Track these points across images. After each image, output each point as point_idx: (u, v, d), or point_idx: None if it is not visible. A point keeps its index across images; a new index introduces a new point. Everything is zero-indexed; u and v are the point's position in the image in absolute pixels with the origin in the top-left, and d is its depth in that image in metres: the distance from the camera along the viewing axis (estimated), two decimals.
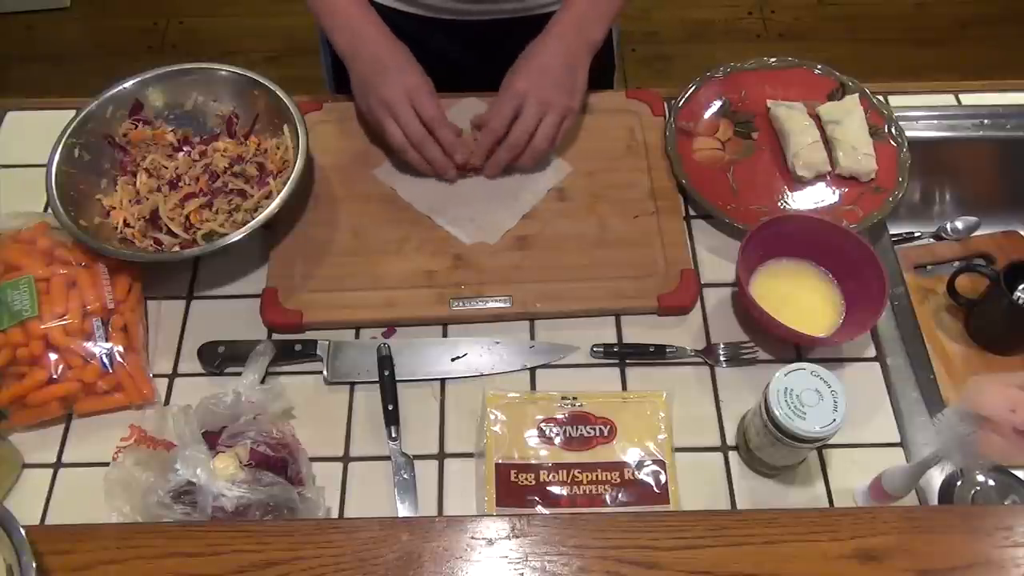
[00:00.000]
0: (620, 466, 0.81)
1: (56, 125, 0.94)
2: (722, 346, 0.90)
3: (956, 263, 1.07)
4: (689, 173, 1.01)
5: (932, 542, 0.64)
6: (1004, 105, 1.10)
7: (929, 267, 1.10)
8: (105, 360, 0.84)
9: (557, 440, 0.83)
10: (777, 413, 0.73)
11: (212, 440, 0.78)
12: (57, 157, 0.92)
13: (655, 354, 0.89)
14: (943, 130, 1.10)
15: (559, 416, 0.84)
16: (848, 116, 1.03)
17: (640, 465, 0.81)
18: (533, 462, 0.82)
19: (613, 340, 0.91)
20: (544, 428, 0.83)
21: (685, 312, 0.93)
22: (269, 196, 0.94)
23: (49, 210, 0.90)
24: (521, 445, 0.83)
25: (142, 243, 0.93)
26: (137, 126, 0.99)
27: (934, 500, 0.82)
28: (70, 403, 0.84)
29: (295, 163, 0.92)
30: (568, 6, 0.98)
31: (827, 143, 1.03)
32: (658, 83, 1.61)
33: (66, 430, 0.85)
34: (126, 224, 0.94)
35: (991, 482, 0.81)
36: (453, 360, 0.89)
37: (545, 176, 1.01)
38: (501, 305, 0.91)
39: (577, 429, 0.83)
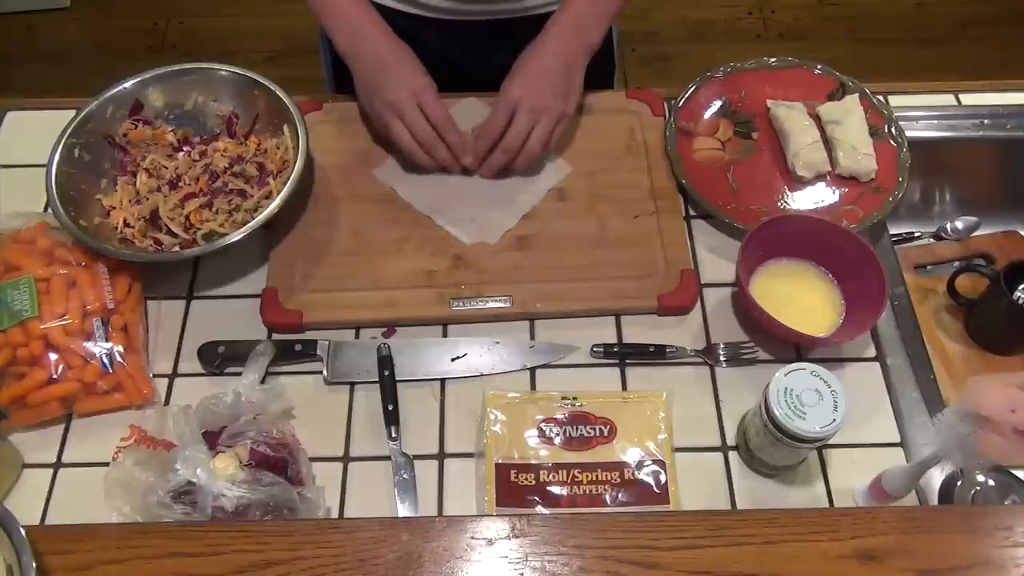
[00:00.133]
0: (620, 466, 0.81)
1: (56, 125, 0.94)
2: (722, 346, 0.90)
3: (956, 263, 1.07)
4: (689, 173, 1.01)
5: (932, 542, 0.64)
6: (1004, 105, 1.10)
7: (929, 267, 1.10)
8: (105, 360, 0.84)
9: (557, 440, 0.83)
10: (777, 413, 0.73)
11: (212, 440, 0.78)
12: (57, 157, 0.92)
13: (655, 354, 0.89)
14: (943, 130, 1.10)
15: (559, 416, 0.84)
16: (848, 116, 1.03)
17: (640, 465, 0.81)
18: (533, 462, 0.82)
19: (613, 340, 0.91)
20: (544, 428, 0.83)
21: (685, 312, 0.93)
22: (269, 196, 0.94)
23: (49, 210, 0.90)
24: (521, 445, 0.83)
25: (142, 243, 0.93)
26: (137, 126, 0.99)
27: (934, 500, 0.82)
28: (70, 403, 0.84)
29: (295, 163, 0.92)
30: (567, 6, 0.98)
31: (827, 143, 1.03)
32: (658, 83, 1.61)
33: (66, 430, 0.85)
34: (126, 224, 0.94)
35: (991, 482, 0.81)
36: (453, 360, 0.89)
37: (545, 176, 1.01)
38: (501, 305, 0.91)
39: (577, 429, 0.83)
